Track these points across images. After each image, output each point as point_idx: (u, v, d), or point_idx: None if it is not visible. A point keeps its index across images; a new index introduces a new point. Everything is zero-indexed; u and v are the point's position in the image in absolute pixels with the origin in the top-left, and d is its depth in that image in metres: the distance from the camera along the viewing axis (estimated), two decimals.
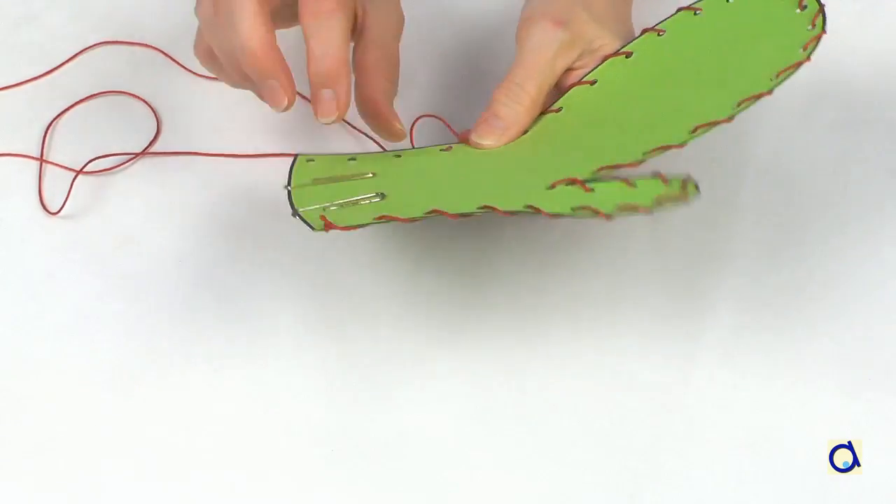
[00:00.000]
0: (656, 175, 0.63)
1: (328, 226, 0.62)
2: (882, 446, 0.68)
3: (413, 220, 0.63)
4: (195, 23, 0.69)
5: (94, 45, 0.84)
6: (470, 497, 0.67)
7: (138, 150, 0.79)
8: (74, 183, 0.77)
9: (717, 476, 0.67)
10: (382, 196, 0.66)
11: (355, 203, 0.65)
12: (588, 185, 0.64)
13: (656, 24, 0.73)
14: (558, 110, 0.72)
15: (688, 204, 0.61)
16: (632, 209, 0.61)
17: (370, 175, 0.68)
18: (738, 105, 0.66)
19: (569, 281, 0.73)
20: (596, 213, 0.61)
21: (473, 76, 0.82)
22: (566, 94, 0.73)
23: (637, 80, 0.72)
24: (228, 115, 0.80)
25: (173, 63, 0.83)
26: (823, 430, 0.68)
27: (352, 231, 0.62)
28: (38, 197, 0.77)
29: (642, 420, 0.69)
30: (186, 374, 0.71)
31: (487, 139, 0.71)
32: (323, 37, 0.66)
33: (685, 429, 0.69)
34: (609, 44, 0.73)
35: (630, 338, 0.71)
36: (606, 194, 0.64)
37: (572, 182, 0.65)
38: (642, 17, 0.77)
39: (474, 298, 0.73)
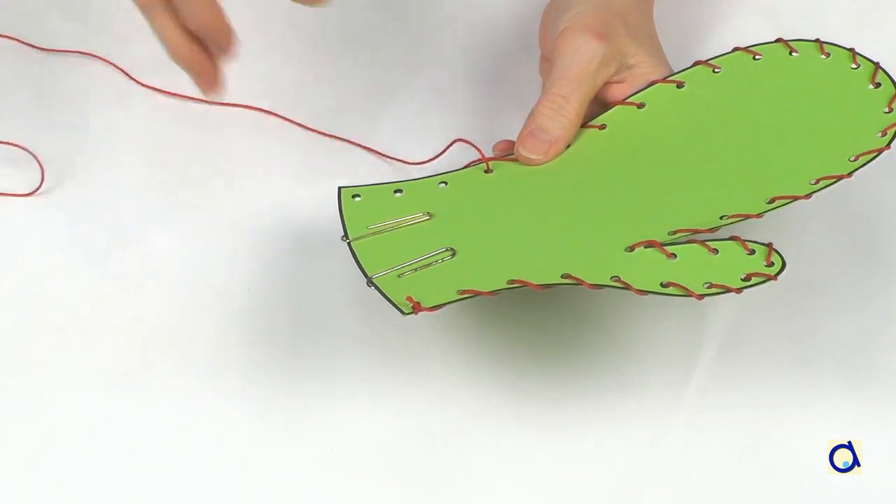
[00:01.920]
0: (735, 239, 0.64)
1: (416, 308, 0.61)
2: (882, 446, 0.68)
3: (497, 292, 0.62)
4: None
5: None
6: (470, 497, 0.67)
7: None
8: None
9: (717, 476, 0.67)
10: (453, 252, 0.65)
11: (428, 265, 0.65)
12: (668, 250, 0.64)
13: (710, 59, 0.72)
14: (602, 127, 0.71)
15: (776, 280, 0.62)
16: (722, 289, 0.62)
17: (425, 217, 0.67)
18: (816, 182, 0.66)
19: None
20: (687, 292, 0.62)
21: (480, 82, 0.83)
22: (610, 112, 0.71)
23: (692, 115, 0.71)
24: None
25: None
26: (823, 430, 0.68)
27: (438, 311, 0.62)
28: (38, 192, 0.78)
29: (642, 420, 0.69)
30: (186, 374, 0.71)
31: (535, 153, 0.70)
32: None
33: (685, 428, 0.69)
34: (645, 60, 0.72)
35: (630, 337, 0.71)
36: (689, 262, 0.63)
37: (651, 244, 0.64)
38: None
39: (472, 298, 0.73)
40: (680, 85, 0.72)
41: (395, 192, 0.69)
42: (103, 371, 0.71)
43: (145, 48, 0.83)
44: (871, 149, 0.66)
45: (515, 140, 0.71)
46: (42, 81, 0.83)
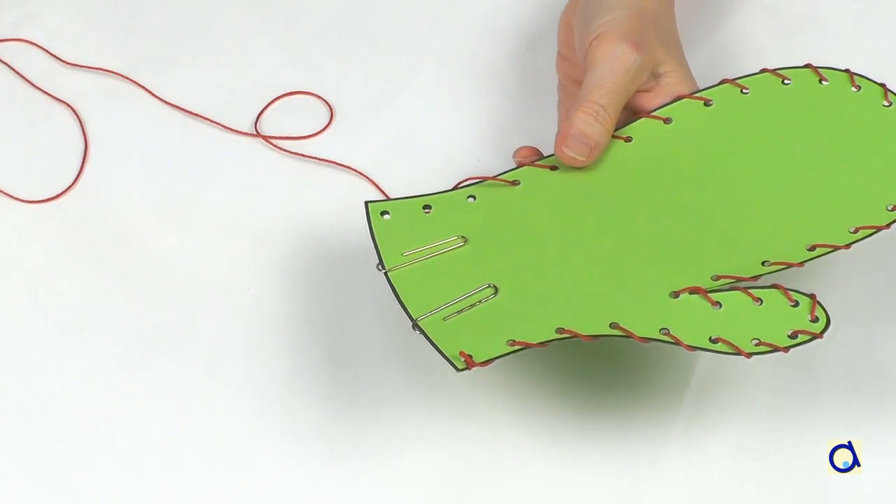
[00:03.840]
0: (777, 287, 0.64)
1: (470, 364, 0.61)
2: (882, 446, 0.68)
3: (547, 343, 0.62)
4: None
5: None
6: (469, 496, 0.67)
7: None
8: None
9: (717, 476, 0.67)
10: (495, 290, 0.64)
11: (471, 305, 0.64)
12: (713, 298, 0.64)
13: (737, 78, 0.71)
14: (627, 139, 0.70)
15: (822, 339, 0.63)
16: (771, 348, 0.62)
17: (460, 243, 0.66)
18: (855, 231, 0.66)
19: None
20: (736, 350, 0.62)
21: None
22: (636, 124, 0.71)
23: (722, 138, 0.70)
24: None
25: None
26: (823, 430, 0.68)
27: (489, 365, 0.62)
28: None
29: (642, 420, 0.69)
30: (186, 374, 0.71)
31: (580, 154, 0.69)
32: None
33: (685, 429, 0.69)
34: (673, 70, 0.71)
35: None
36: (734, 313, 0.63)
37: (696, 291, 0.64)
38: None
39: None
40: (707, 103, 0.71)
41: (424, 207, 0.68)
42: (103, 371, 0.71)
43: (144, 49, 0.84)
44: None
45: (528, 145, 0.71)
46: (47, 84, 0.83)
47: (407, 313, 0.63)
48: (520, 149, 0.71)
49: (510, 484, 0.67)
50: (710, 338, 0.63)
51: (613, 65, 0.69)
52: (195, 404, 0.70)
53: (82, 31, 0.84)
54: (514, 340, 0.62)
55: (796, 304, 0.64)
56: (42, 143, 0.80)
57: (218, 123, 0.80)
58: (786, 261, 0.65)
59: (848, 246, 0.66)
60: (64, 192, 0.78)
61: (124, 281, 0.74)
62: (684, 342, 0.62)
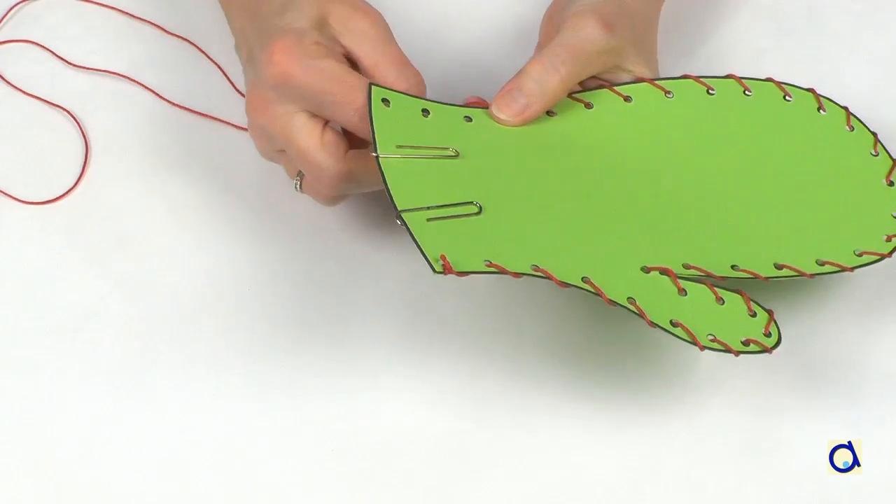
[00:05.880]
0: (740, 294, 0.65)
1: (448, 269, 0.61)
2: (882, 446, 0.68)
3: (521, 275, 0.63)
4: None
5: None
6: (469, 497, 0.67)
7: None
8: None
9: (717, 476, 0.67)
10: (479, 208, 0.65)
11: (454, 216, 0.64)
12: (680, 283, 0.64)
13: (701, 77, 0.72)
14: (588, 105, 0.70)
15: (770, 353, 0.63)
16: (724, 347, 0.63)
17: (453, 153, 0.66)
18: (822, 265, 0.66)
19: None
20: (693, 339, 0.63)
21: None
22: (596, 92, 0.71)
23: (685, 132, 0.70)
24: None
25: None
26: (823, 430, 0.68)
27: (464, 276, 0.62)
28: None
29: (642, 420, 0.69)
30: (186, 374, 0.71)
31: (505, 114, 0.69)
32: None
33: (685, 429, 0.69)
34: (639, 70, 0.71)
35: (629, 337, 0.71)
36: (697, 304, 0.64)
37: (665, 272, 0.65)
38: None
39: (473, 297, 0.73)
40: (668, 93, 0.71)
41: (423, 110, 0.68)
42: (103, 371, 0.71)
43: (146, 49, 0.84)
44: (874, 251, 0.67)
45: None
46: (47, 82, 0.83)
47: (392, 202, 0.63)
48: (469, 97, 0.71)
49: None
50: (671, 320, 0.63)
51: (581, 33, 0.69)
52: (195, 405, 0.70)
53: (84, 32, 0.84)
54: (490, 262, 0.62)
55: (754, 314, 0.65)
56: (44, 144, 0.80)
57: (220, 120, 0.80)
58: (753, 271, 0.66)
59: (812, 276, 0.66)
60: (66, 193, 0.78)
61: (124, 281, 0.74)
62: (648, 317, 0.63)
